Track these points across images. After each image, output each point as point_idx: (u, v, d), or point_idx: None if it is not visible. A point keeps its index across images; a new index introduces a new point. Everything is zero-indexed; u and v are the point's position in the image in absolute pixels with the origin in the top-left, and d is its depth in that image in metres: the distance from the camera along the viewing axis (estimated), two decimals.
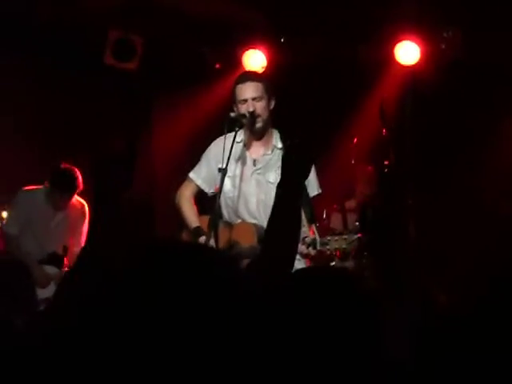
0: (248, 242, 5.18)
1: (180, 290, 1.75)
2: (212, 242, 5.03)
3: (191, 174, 5.52)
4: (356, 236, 4.93)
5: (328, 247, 4.88)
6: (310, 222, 5.10)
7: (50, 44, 7.58)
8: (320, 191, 5.39)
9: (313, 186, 5.32)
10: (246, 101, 5.23)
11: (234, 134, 5.25)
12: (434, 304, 6.30)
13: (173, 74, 8.05)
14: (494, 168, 7.27)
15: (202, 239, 5.13)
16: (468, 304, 2.51)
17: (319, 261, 5.12)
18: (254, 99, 5.23)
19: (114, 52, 7.83)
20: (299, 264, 4.98)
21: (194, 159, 5.80)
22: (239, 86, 5.29)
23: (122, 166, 2.59)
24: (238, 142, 5.33)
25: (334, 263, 6.59)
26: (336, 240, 4.89)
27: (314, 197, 5.34)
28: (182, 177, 5.62)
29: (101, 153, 2.74)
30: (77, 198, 6.45)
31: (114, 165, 2.61)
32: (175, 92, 7.93)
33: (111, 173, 2.60)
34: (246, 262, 5.00)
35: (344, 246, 4.89)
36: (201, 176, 5.49)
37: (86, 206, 6.48)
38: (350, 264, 6.64)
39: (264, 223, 5.20)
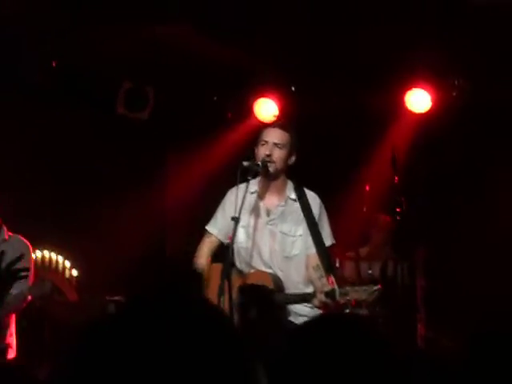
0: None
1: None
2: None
3: (208, 227, 5.54)
4: (376, 287, 4.92)
5: (348, 298, 4.87)
6: (328, 271, 5.10)
7: (62, 90, 7.63)
8: (334, 241, 5.40)
9: (327, 237, 5.32)
10: (267, 143, 5.26)
11: (251, 188, 5.30)
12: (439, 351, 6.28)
13: (185, 123, 8.08)
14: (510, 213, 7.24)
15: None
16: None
17: (335, 310, 5.11)
18: (275, 144, 5.25)
19: (125, 102, 7.88)
20: (314, 313, 4.99)
21: (206, 208, 5.81)
22: (267, 128, 5.36)
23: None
24: (251, 193, 5.35)
25: (347, 310, 6.59)
26: (356, 291, 4.88)
27: (328, 247, 5.34)
28: (194, 226, 5.62)
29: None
30: None
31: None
32: (187, 141, 7.96)
33: None
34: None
35: (364, 298, 4.88)
36: (217, 227, 5.51)
37: None
38: (363, 311, 6.62)
39: (278, 273, 5.25)
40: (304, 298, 5.13)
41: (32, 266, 5.41)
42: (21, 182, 7.21)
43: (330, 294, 4.95)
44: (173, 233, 8.27)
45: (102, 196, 7.65)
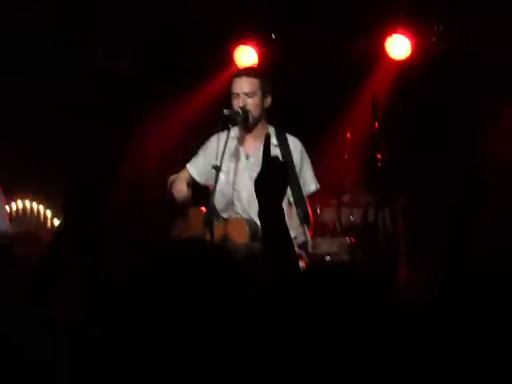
0: (241, 238, 5.21)
1: (186, 287, 1.81)
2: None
3: (188, 165, 5.58)
4: (348, 240, 4.96)
5: (319, 250, 4.91)
6: (303, 222, 5.13)
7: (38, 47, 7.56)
8: (318, 186, 5.41)
9: (310, 182, 5.35)
10: (238, 95, 5.30)
11: (231, 133, 5.32)
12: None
13: (165, 72, 8.03)
14: (488, 156, 7.28)
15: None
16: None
17: (311, 260, 5.15)
18: (246, 94, 5.30)
19: (104, 53, 7.81)
20: None
21: (186, 157, 5.81)
22: (235, 79, 5.38)
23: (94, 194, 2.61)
24: (232, 138, 5.35)
25: (328, 257, 6.65)
26: (328, 243, 4.93)
27: (312, 193, 5.36)
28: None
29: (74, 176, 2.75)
30: None
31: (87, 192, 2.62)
32: (168, 90, 7.90)
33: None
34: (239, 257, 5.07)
35: (336, 250, 4.93)
36: (197, 169, 5.55)
37: None
38: (344, 258, 6.68)
39: (256, 217, 5.27)
40: None
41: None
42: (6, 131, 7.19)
43: (302, 246, 4.99)
44: (152, 182, 8.22)
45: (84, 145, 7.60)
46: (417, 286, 6.81)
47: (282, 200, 2.63)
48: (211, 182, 5.30)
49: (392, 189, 6.93)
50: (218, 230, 5.20)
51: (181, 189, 5.41)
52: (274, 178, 2.63)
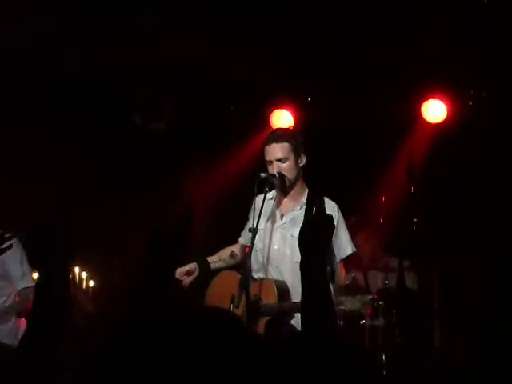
0: (269, 299, 5.17)
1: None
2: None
3: (240, 238, 5.69)
4: (370, 297, 4.92)
5: (341, 307, 4.87)
6: (330, 281, 5.13)
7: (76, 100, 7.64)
8: (354, 249, 5.37)
9: (346, 245, 5.32)
10: (271, 162, 5.31)
11: (269, 195, 5.36)
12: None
13: (202, 134, 8.08)
14: None
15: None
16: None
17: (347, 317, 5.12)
18: (279, 160, 5.29)
19: (142, 112, 7.89)
20: None
21: (222, 220, 5.83)
22: (266, 147, 5.37)
23: (180, 236, 2.66)
24: (270, 199, 5.41)
25: (363, 322, 6.60)
26: (350, 300, 4.89)
27: (349, 256, 5.34)
28: (211, 237, 5.64)
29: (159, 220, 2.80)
30: None
31: (172, 235, 2.67)
32: (204, 153, 7.95)
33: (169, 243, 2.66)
34: (265, 319, 5.06)
35: (357, 307, 4.89)
36: (244, 237, 5.62)
37: None
38: (380, 322, 6.62)
39: (288, 278, 5.19)
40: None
41: None
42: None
43: None
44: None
45: (118, 209, 7.65)
46: (452, 350, 6.76)
47: (325, 252, 2.63)
48: (247, 247, 5.36)
49: (428, 253, 6.92)
50: (253, 290, 5.21)
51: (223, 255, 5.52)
52: (318, 229, 2.63)
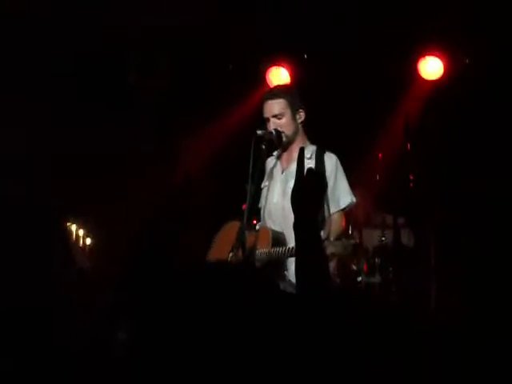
0: (263, 246, 5.19)
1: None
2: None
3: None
4: (352, 241, 4.93)
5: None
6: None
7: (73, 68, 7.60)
8: (354, 200, 5.37)
9: (345, 195, 5.33)
10: (268, 119, 5.32)
11: (275, 152, 5.44)
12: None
13: (198, 92, 8.06)
14: None
15: None
16: None
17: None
18: (275, 116, 5.30)
19: (138, 70, 7.86)
20: None
21: (222, 178, 5.83)
22: (263, 105, 5.38)
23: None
24: (274, 157, 5.48)
25: (360, 278, 6.64)
26: (332, 244, 4.91)
27: (348, 205, 5.34)
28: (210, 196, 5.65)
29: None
30: None
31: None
32: (201, 111, 7.94)
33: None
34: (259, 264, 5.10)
35: (339, 251, 4.90)
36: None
37: None
38: (376, 279, 6.67)
39: (288, 229, 5.08)
40: (292, 253, 5.05)
41: None
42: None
43: None
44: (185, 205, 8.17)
45: (115, 169, 7.63)
46: (449, 303, 6.79)
47: (317, 211, 2.62)
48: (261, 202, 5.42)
49: (424, 210, 6.94)
50: (249, 241, 5.21)
51: None
52: (308, 188, 2.61)
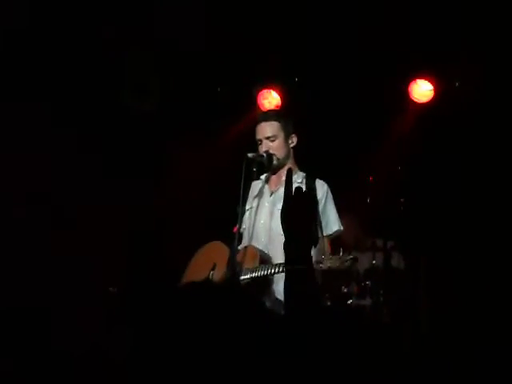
0: (250, 263, 5.18)
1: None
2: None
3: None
4: (350, 256, 4.93)
5: (321, 265, 4.89)
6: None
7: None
8: (341, 228, 5.39)
9: (333, 223, 5.34)
10: (261, 141, 5.38)
11: (263, 176, 5.50)
12: None
13: (189, 113, 8.05)
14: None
15: None
16: None
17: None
18: (267, 138, 5.35)
19: (130, 90, 7.84)
20: None
21: (211, 200, 5.81)
22: (256, 126, 5.43)
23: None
24: (261, 180, 5.52)
25: (351, 301, 6.63)
26: (330, 259, 4.92)
27: (334, 233, 5.35)
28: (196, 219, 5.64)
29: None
30: None
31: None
32: (190, 133, 7.92)
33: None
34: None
35: (337, 265, 4.90)
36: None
37: None
38: (367, 301, 6.65)
39: (274, 250, 5.17)
40: (279, 269, 5.05)
41: None
42: None
43: None
44: (175, 221, 8.11)
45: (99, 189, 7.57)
46: (440, 325, 6.80)
47: (307, 230, 2.60)
48: (235, 227, 5.30)
49: (414, 233, 6.94)
50: (238, 258, 5.24)
51: None
52: (298, 207, 2.60)
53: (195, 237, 5.81)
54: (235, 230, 5.31)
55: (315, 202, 2.70)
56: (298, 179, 5.41)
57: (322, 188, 5.35)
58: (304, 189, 2.66)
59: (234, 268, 5.12)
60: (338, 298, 6.47)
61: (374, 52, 7.20)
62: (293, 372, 1.94)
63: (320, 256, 4.90)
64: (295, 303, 2.45)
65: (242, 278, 5.10)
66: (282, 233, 2.57)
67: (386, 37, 6.97)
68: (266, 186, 5.51)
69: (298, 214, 2.58)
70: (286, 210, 2.60)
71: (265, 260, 5.18)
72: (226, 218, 5.71)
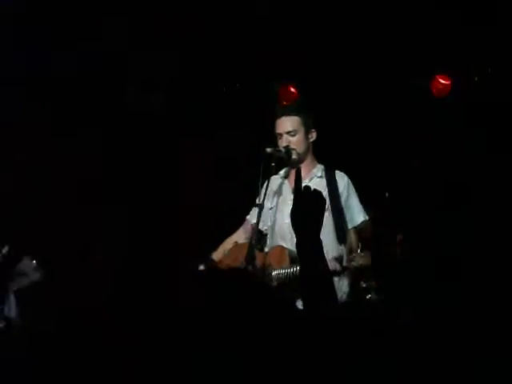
0: (281, 265, 5.20)
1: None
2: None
3: (248, 217, 5.71)
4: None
5: (353, 263, 4.92)
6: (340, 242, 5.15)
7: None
8: (366, 217, 5.39)
9: (357, 214, 5.35)
10: (281, 135, 5.39)
11: (281, 172, 5.56)
12: None
13: (203, 112, 8.04)
14: None
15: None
16: None
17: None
18: (288, 133, 5.39)
19: (136, 92, 7.81)
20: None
21: (229, 196, 5.79)
22: (276, 120, 5.46)
23: None
24: (281, 176, 5.54)
25: (369, 296, 6.62)
26: (362, 256, 4.94)
27: (361, 223, 5.35)
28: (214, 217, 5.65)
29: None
30: None
31: None
32: (205, 131, 7.91)
33: None
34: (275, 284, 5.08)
35: (368, 262, 4.93)
36: (252, 215, 5.60)
37: None
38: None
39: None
40: None
41: None
42: None
43: (337, 259, 5.02)
44: (187, 220, 8.06)
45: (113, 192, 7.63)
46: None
47: (318, 230, 2.62)
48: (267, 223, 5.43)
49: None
50: (259, 260, 5.26)
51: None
52: (307, 208, 2.63)
53: (212, 232, 5.82)
54: (252, 227, 5.32)
55: (324, 201, 2.73)
56: (318, 173, 5.42)
57: (342, 180, 5.40)
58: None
59: (254, 266, 5.13)
60: (357, 294, 6.46)
61: (392, 47, 7.19)
62: (312, 366, 1.96)
63: (350, 253, 4.93)
64: (313, 300, 2.46)
65: (275, 275, 5.11)
66: None
67: (405, 31, 6.97)
68: (287, 183, 5.53)
69: (308, 214, 2.62)
70: (295, 211, 2.63)
71: (295, 259, 5.17)
72: (243, 213, 5.73)
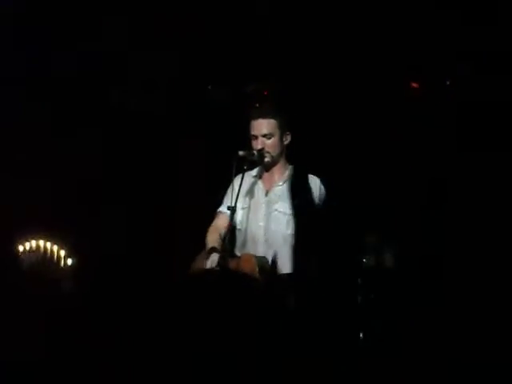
0: (252, 273, 5.08)
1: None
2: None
3: (220, 208, 5.55)
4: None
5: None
6: None
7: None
8: None
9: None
10: (256, 137, 5.33)
11: (253, 172, 5.44)
12: None
13: (196, 114, 8.07)
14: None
15: (215, 256, 5.17)
16: None
17: None
18: (264, 136, 5.32)
19: (134, 92, 7.91)
20: None
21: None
22: (252, 121, 5.38)
23: None
24: (253, 176, 5.46)
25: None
26: (389, 260, 4.93)
27: None
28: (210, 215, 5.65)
29: None
30: None
31: None
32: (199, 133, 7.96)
33: None
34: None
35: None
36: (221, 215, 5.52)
37: None
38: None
39: (279, 250, 5.10)
40: None
41: None
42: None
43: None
44: (184, 219, 8.03)
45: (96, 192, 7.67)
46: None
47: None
48: (225, 225, 5.32)
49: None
50: (232, 266, 5.19)
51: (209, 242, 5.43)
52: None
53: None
54: (226, 228, 5.22)
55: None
56: (291, 174, 5.41)
57: (315, 181, 5.33)
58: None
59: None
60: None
61: (366, 51, 7.23)
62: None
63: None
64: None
65: None
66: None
67: (380, 35, 6.99)
68: (260, 184, 5.48)
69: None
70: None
71: (264, 267, 5.13)
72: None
